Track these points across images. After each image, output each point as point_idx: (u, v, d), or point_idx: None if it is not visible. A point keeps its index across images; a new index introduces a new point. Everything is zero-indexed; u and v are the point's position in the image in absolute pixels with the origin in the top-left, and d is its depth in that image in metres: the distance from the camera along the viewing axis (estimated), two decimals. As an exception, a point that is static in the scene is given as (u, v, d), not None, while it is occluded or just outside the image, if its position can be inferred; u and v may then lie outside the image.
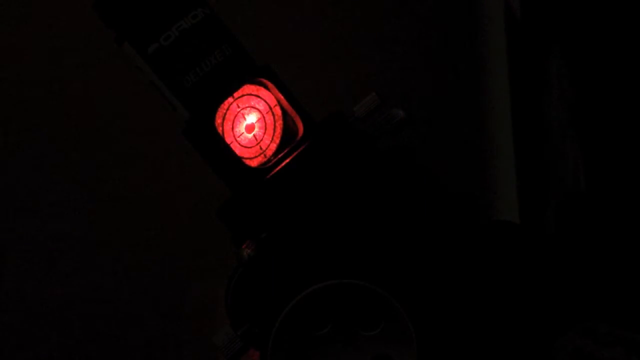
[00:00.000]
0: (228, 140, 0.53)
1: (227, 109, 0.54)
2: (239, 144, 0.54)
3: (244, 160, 0.54)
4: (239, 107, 0.54)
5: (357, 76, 0.93)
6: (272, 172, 0.53)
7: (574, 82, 0.85)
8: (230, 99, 0.54)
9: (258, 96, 0.55)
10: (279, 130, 0.55)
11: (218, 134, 0.53)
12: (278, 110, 0.55)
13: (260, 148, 0.55)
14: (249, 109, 0.54)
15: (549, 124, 0.88)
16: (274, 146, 0.55)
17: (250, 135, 0.54)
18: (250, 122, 0.54)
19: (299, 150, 0.54)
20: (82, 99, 0.89)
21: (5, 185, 0.88)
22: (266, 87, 0.55)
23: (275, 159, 0.54)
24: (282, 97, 0.55)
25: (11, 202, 0.88)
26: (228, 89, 0.53)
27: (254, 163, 0.54)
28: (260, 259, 0.52)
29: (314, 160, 0.53)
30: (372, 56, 0.94)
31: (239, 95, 0.54)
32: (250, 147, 0.54)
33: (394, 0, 0.95)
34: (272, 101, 0.55)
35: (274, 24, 0.92)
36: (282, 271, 0.52)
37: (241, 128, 0.54)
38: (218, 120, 0.53)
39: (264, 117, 0.55)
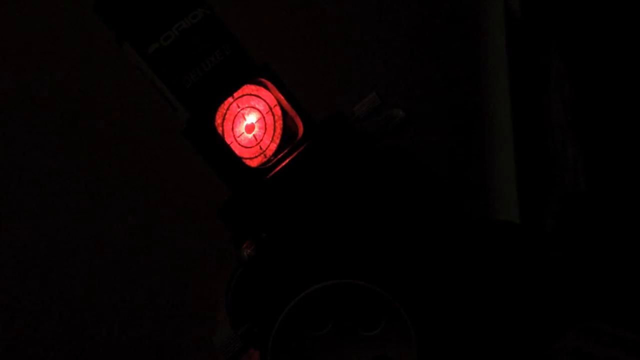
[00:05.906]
0: (228, 140, 0.53)
1: (227, 109, 0.54)
2: (239, 144, 0.54)
3: (244, 160, 0.54)
4: (239, 107, 0.54)
5: (357, 76, 0.93)
6: (272, 172, 0.53)
7: (574, 82, 0.86)
8: (230, 99, 0.54)
9: (258, 96, 0.55)
10: (279, 130, 0.55)
11: (218, 134, 0.53)
12: (278, 111, 0.55)
13: (260, 148, 0.55)
14: (249, 109, 0.54)
15: (549, 124, 0.88)
16: (274, 146, 0.55)
17: (250, 136, 0.54)
18: (250, 122, 0.54)
19: (299, 150, 0.53)
20: (82, 98, 0.89)
21: (6, 185, 0.88)
22: (266, 87, 0.55)
23: (275, 159, 0.54)
24: (282, 97, 0.55)
25: (11, 201, 0.88)
26: (228, 89, 0.53)
27: (254, 163, 0.54)
28: (260, 259, 0.52)
29: (314, 161, 0.53)
30: (372, 56, 0.94)
31: (239, 95, 0.54)
32: (250, 147, 0.54)
33: (394, 1, 0.95)
34: (272, 101, 0.55)
35: (274, 24, 0.92)
36: (282, 271, 0.52)
37: (241, 128, 0.54)
38: (218, 120, 0.53)
39: (264, 117, 0.55)
